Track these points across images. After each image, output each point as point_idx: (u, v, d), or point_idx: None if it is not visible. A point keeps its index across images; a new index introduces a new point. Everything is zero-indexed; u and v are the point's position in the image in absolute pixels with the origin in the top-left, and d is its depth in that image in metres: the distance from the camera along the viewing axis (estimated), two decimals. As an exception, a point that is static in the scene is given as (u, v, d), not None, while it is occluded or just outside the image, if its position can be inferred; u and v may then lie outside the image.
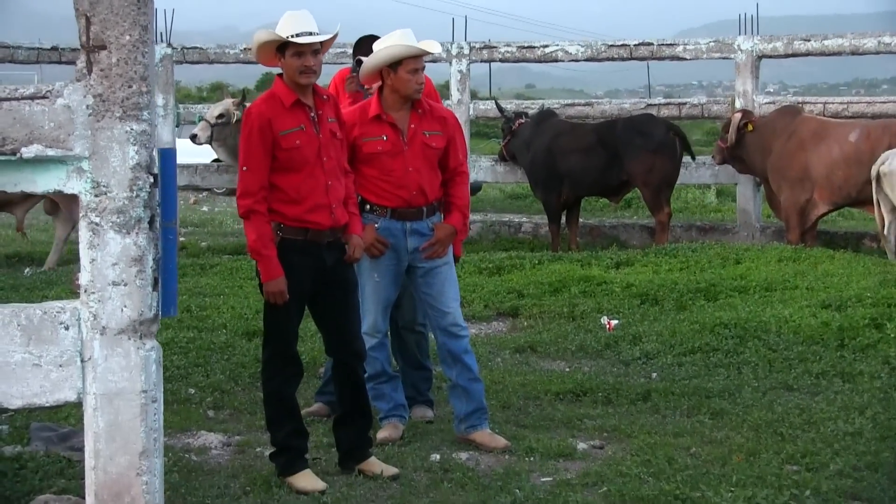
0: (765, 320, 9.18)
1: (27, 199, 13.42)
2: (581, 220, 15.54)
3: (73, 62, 14.51)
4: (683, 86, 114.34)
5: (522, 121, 15.17)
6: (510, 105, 17.09)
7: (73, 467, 6.03)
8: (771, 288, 10.53)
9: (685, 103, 16.34)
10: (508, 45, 16.32)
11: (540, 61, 16.50)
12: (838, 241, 14.27)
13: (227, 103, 13.95)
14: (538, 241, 15.46)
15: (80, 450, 6.15)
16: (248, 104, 13.48)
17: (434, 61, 14.37)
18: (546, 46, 16.22)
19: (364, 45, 7.91)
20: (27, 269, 13.30)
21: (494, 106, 16.36)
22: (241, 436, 6.92)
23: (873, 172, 12.25)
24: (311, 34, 5.97)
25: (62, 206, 14.03)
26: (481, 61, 16.49)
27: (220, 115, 13.74)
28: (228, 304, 10.30)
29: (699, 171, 15.59)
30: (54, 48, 17.57)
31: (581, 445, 6.70)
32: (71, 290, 9.94)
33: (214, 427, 7.07)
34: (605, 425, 7.10)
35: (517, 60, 16.56)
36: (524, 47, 16.32)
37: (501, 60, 16.60)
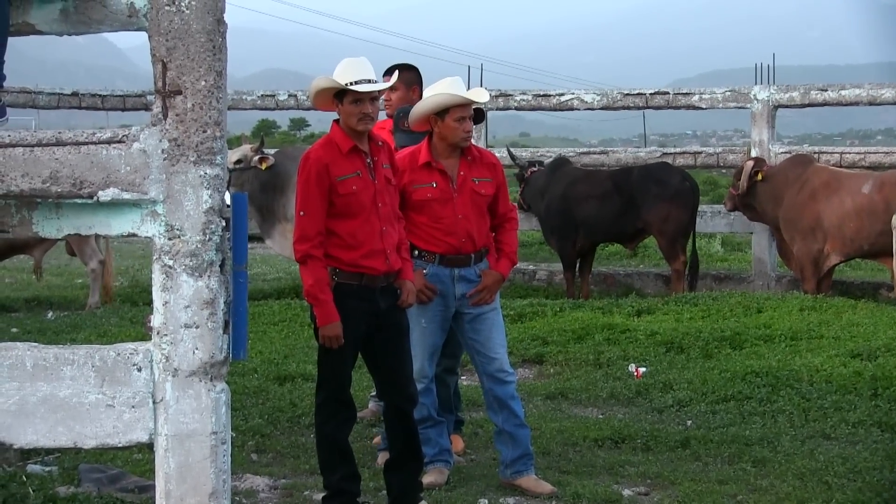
0: (795, 369, 9.22)
1: (44, 241, 13.46)
2: (595, 269, 15.59)
3: (92, 107, 14.60)
4: (677, 135, 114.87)
5: (535, 169, 15.22)
6: (524, 153, 17.16)
7: (128, 509, 6.05)
8: (797, 337, 10.58)
9: (700, 152, 16.39)
10: (524, 94, 16.42)
11: (555, 109, 16.60)
12: (854, 290, 14.30)
13: (245, 149, 14.00)
14: (553, 289, 15.49)
15: (132, 491, 6.24)
16: (265, 150, 13.64)
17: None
18: (562, 95, 16.32)
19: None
20: (50, 313, 13.33)
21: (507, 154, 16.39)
22: (286, 479, 6.94)
23: (894, 222, 12.29)
24: (369, 81, 6.03)
25: (74, 247, 14.09)
26: (497, 109, 16.56)
27: (238, 161, 13.77)
28: (256, 349, 10.34)
29: (714, 221, 15.67)
30: (74, 93, 17.70)
31: (626, 492, 6.73)
32: (144, 333, 9.96)
33: (259, 470, 7.08)
34: (648, 472, 7.12)
35: (533, 108, 16.63)
36: (540, 95, 16.42)
37: (517, 108, 16.67)
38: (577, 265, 14.83)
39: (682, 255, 14.18)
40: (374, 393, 8.45)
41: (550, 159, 15.70)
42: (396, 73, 6.95)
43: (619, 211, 14.28)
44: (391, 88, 7.66)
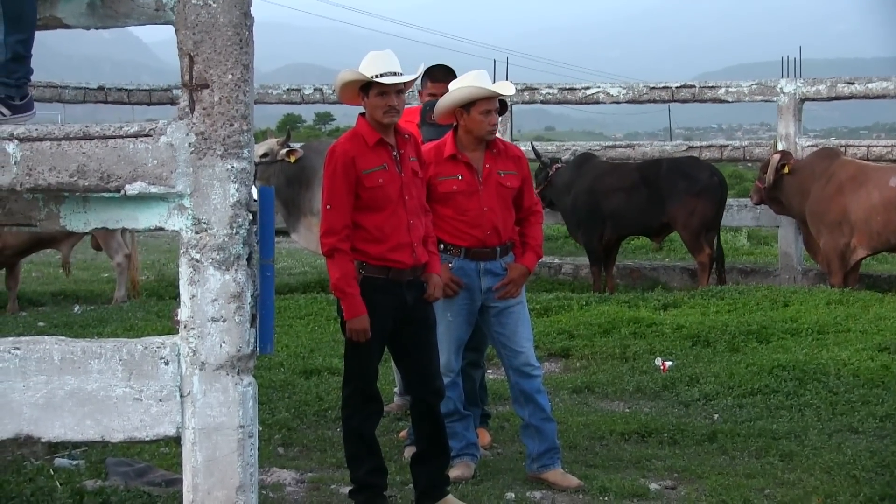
0: (823, 363, 9.18)
1: (71, 235, 13.50)
2: (622, 262, 15.56)
3: (118, 102, 14.61)
4: (703, 129, 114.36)
5: (559, 166, 15.17)
6: (550, 146, 17.12)
7: (155, 502, 6.06)
8: (823, 331, 10.54)
9: (727, 146, 16.36)
10: (550, 87, 16.37)
11: (581, 103, 16.55)
12: (882, 284, 14.24)
13: (271, 142, 14.00)
14: (579, 283, 15.44)
15: (159, 485, 6.25)
16: (292, 144, 13.64)
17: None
18: (587, 88, 16.27)
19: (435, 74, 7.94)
20: (77, 307, 13.38)
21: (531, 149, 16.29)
22: (313, 472, 6.94)
23: None
24: (394, 74, 6.02)
25: (100, 241, 14.13)
26: (523, 103, 16.53)
27: (264, 154, 13.76)
28: (282, 343, 10.35)
29: (741, 214, 15.63)
30: (101, 88, 17.74)
31: (653, 486, 6.71)
32: (171, 327, 9.99)
33: (286, 464, 7.09)
34: (675, 466, 7.10)
35: (558, 102, 16.61)
36: (565, 89, 16.37)
37: (543, 102, 16.65)
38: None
39: (707, 248, 14.11)
40: (397, 388, 8.46)
41: (569, 154, 15.65)
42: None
43: (645, 204, 14.23)
44: (429, 94, 7.72)
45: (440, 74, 7.77)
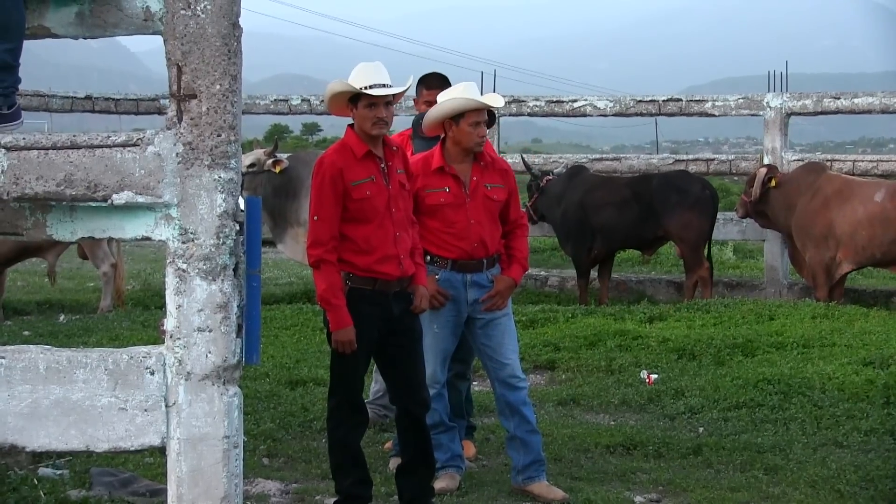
0: (808, 377, 9.19)
1: (57, 244, 13.47)
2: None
3: (105, 111, 14.58)
4: (690, 142, 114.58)
5: (550, 177, 15.16)
6: (537, 159, 17.13)
7: (139, 513, 6.06)
8: (809, 345, 10.56)
9: (713, 159, 16.39)
10: (537, 100, 16.40)
11: (568, 115, 16.56)
12: (867, 298, 14.26)
13: (259, 153, 14.01)
14: (564, 295, 15.45)
15: (143, 495, 6.23)
16: (279, 154, 13.64)
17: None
18: (575, 101, 16.30)
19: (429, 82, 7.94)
20: (62, 316, 13.35)
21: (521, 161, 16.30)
22: (298, 483, 6.94)
23: None
24: (384, 86, 6.03)
25: (86, 250, 14.10)
26: (510, 115, 16.54)
27: (252, 165, 13.77)
28: (268, 354, 10.33)
29: (727, 228, 15.64)
30: (88, 97, 17.72)
31: (638, 499, 6.72)
32: (157, 337, 9.98)
33: (271, 475, 7.08)
34: (660, 479, 7.11)
35: (545, 115, 16.61)
36: (553, 101, 16.39)
37: (530, 115, 16.67)
38: (594, 272, 14.82)
39: (705, 262, 14.14)
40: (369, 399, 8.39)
41: (562, 167, 15.67)
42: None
43: (637, 219, 14.23)
44: (425, 101, 7.73)
45: (435, 81, 7.80)
